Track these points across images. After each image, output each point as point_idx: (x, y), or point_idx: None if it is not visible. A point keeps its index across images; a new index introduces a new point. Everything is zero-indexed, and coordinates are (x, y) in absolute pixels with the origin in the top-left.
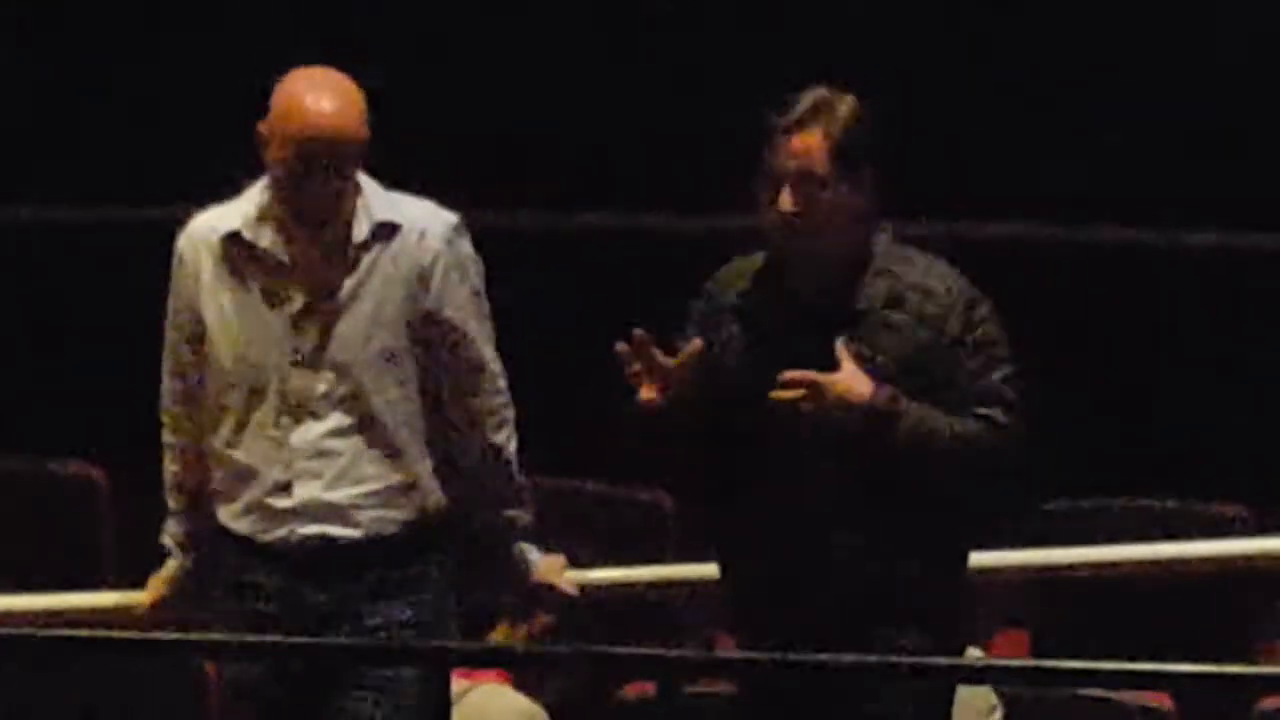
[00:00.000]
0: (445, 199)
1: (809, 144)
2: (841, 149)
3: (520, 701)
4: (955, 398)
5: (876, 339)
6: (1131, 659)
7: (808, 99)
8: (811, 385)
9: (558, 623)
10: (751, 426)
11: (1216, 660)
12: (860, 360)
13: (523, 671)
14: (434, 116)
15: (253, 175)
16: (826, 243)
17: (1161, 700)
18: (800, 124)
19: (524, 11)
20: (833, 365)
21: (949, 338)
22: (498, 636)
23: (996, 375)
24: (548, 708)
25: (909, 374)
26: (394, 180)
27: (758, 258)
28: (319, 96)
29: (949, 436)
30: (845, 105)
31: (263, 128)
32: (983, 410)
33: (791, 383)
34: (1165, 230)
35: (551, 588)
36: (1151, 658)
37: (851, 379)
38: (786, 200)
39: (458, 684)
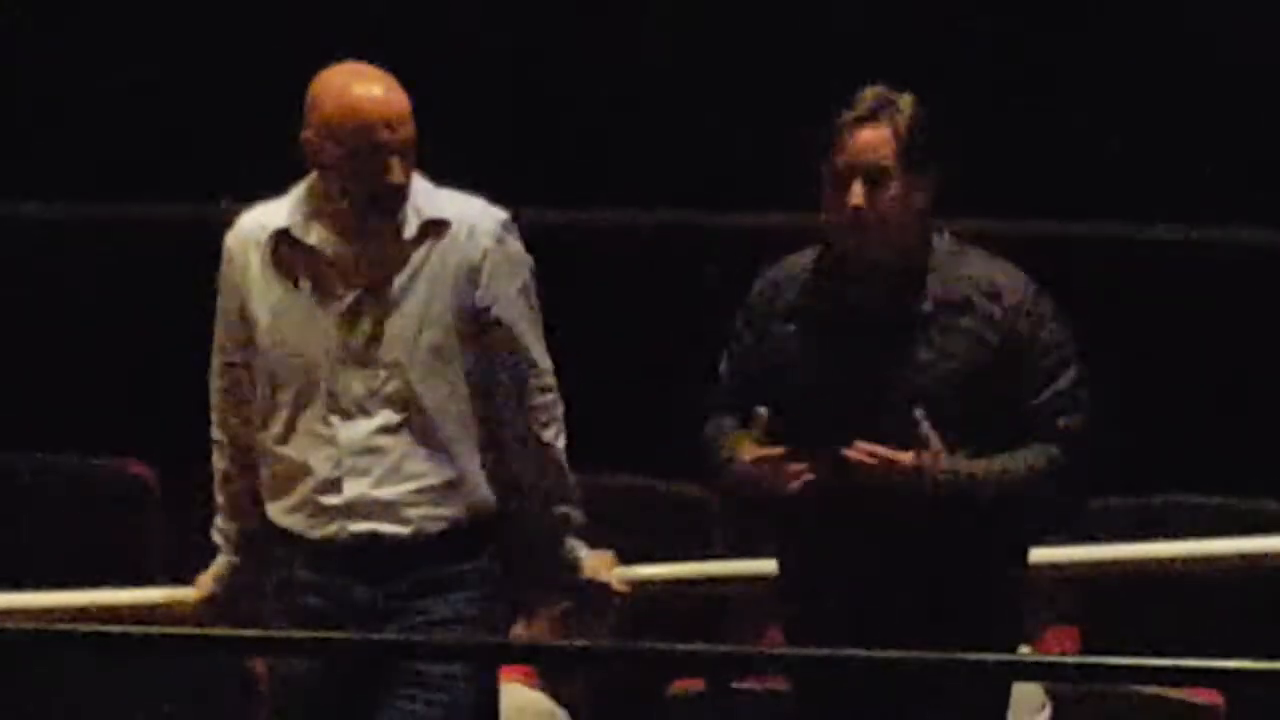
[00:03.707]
0: (491, 195)
1: (878, 138)
2: (907, 146)
3: (536, 700)
4: (1027, 403)
5: (944, 344)
6: (1180, 655)
7: (871, 95)
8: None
9: (573, 616)
10: (812, 429)
11: (1265, 657)
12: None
13: (555, 669)
14: (474, 112)
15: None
16: (891, 241)
17: (1211, 697)
18: (868, 119)
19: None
20: (895, 369)
21: (1018, 339)
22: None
23: (1067, 376)
24: (568, 708)
25: (978, 379)
26: (438, 177)
27: (808, 256)
28: (366, 85)
29: (1024, 478)
30: (907, 102)
31: (310, 134)
32: (1060, 421)
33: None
34: (1210, 226)
35: (601, 585)
36: (1200, 654)
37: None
38: (857, 194)
39: None
